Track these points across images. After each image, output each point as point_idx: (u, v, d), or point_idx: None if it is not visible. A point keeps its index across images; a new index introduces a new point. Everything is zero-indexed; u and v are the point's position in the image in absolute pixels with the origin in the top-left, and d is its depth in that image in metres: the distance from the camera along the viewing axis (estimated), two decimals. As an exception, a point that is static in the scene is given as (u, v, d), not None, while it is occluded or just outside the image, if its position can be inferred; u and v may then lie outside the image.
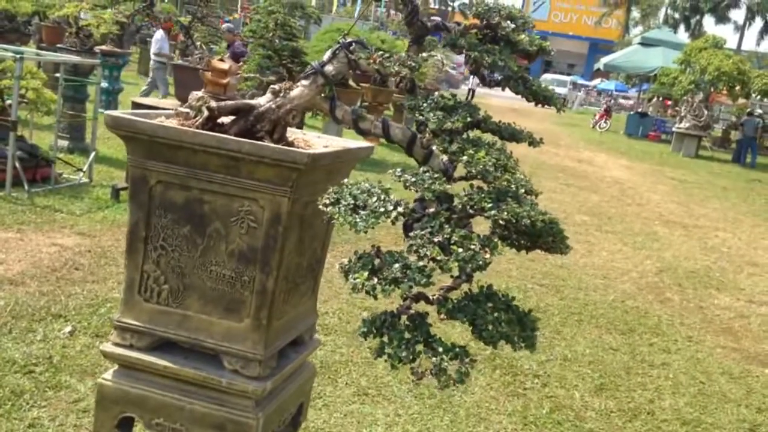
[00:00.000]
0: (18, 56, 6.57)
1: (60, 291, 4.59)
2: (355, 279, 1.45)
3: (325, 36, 13.16)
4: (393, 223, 1.51)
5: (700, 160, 22.08)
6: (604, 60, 33.17)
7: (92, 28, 9.68)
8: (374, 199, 1.53)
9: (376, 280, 1.46)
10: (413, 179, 1.52)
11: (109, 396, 1.84)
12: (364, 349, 4.54)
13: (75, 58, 8.22)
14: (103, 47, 10.73)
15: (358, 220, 1.49)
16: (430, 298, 1.58)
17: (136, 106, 7.87)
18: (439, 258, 1.43)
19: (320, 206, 1.54)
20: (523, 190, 1.58)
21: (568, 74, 55.87)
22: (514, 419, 3.97)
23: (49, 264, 5.01)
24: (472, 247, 1.44)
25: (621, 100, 41.59)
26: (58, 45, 9.92)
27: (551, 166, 14.88)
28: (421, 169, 1.59)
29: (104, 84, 10.55)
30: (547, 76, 47.35)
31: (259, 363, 1.78)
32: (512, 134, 1.71)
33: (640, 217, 10.71)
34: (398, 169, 1.56)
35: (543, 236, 1.58)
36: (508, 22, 1.70)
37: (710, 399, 4.58)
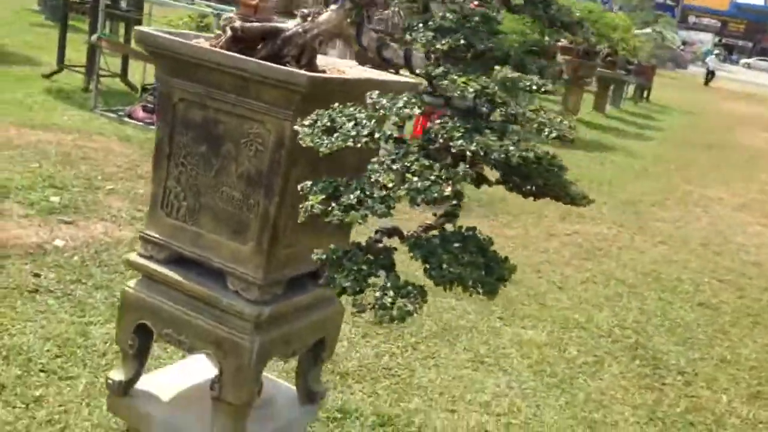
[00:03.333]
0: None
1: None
2: (309, 200, 1.39)
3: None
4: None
5: None
6: None
7: None
8: (352, 123, 1.44)
9: (334, 205, 1.38)
10: (385, 103, 1.41)
11: (130, 303, 1.94)
12: (493, 319, 4.40)
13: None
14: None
15: (324, 140, 1.41)
16: (405, 234, 1.46)
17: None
18: (390, 185, 1.31)
19: (296, 126, 1.48)
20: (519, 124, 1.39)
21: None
22: (640, 412, 3.62)
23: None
24: (432, 178, 1.31)
25: None
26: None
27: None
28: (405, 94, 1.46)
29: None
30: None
31: (258, 287, 1.78)
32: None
33: None
34: (374, 93, 1.44)
35: (532, 177, 1.39)
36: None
37: None
